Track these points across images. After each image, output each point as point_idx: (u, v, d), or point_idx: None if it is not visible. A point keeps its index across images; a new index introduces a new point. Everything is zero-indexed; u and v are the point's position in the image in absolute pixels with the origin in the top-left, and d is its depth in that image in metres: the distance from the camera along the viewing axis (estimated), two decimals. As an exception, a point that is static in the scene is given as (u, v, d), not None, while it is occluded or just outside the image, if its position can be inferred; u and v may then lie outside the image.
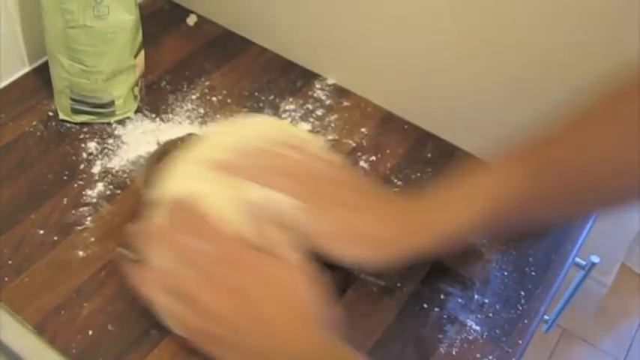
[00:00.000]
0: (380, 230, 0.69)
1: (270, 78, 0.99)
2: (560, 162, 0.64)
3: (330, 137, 0.91)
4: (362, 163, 0.89)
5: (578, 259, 0.88)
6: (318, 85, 0.98)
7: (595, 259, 0.91)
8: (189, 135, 0.83)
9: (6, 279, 0.73)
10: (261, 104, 0.95)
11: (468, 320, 0.75)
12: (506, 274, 0.80)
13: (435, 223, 0.68)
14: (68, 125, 0.89)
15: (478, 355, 0.73)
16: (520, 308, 0.77)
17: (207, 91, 0.96)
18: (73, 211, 0.80)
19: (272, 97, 0.96)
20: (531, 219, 0.70)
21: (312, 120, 0.93)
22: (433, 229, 0.68)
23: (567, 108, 0.64)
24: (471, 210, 0.66)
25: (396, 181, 0.87)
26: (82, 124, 0.89)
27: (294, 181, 0.69)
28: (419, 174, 0.88)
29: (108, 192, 0.82)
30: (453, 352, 0.73)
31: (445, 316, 0.75)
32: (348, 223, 0.68)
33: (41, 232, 0.78)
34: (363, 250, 0.68)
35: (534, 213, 0.68)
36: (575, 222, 0.83)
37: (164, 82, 0.96)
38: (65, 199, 0.81)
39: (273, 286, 0.66)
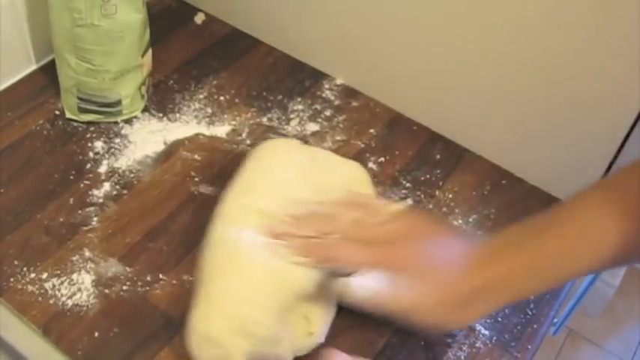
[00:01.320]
0: (477, 287, 0.62)
1: (279, 78, 0.98)
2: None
3: (339, 138, 0.91)
4: (371, 164, 0.88)
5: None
6: (326, 85, 0.97)
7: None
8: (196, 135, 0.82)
9: (12, 279, 0.73)
10: (269, 104, 0.94)
11: (477, 324, 0.75)
12: (515, 278, 0.79)
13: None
14: (75, 124, 0.89)
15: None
16: (529, 313, 0.76)
17: (214, 90, 0.95)
18: (80, 211, 0.80)
19: (280, 96, 0.95)
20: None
21: (320, 120, 0.92)
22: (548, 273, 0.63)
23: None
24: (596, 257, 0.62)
25: (404, 182, 0.86)
26: (89, 123, 0.89)
27: (368, 249, 0.64)
28: (428, 175, 0.88)
29: (114, 192, 0.82)
30: (462, 357, 0.72)
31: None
32: (443, 289, 0.62)
33: (47, 232, 0.78)
34: (468, 313, 0.63)
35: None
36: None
37: (171, 82, 0.95)
38: (71, 199, 0.81)
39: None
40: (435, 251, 0.64)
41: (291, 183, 0.74)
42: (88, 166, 0.84)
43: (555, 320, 0.95)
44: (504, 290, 0.62)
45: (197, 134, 0.89)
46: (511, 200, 0.86)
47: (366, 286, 0.65)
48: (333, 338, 0.71)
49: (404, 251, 0.63)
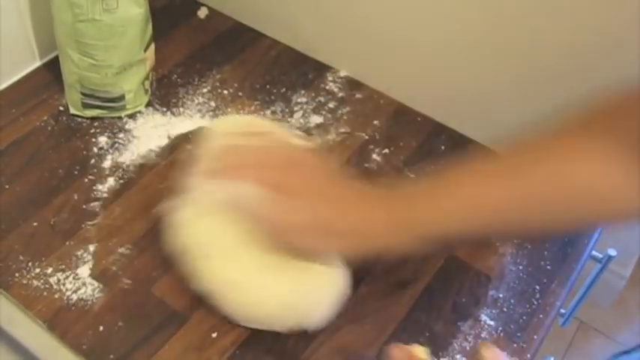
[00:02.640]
0: (353, 223, 0.65)
1: (282, 71, 0.98)
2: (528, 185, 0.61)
3: (343, 130, 0.90)
4: (375, 156, 0.88)
5: (594, 252, 0.87)
6: (330, 78, 0.97)
7: (612, 252, 0.89)
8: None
9: (17, 275, 0.73)
10: (272, 97, 0.94)
11: (482, 315, 0.74)
12: (521, 267, 0.78)
13: (417, 223, 0.63)
14: (79, 120, 0.89)
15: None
16: (535, 303, 0.76)
17: (218, 84, 0.95)
18: (84, 206, 0.80)
19: (284, 89, 0.95)
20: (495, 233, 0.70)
21: (324, 112, 0.92)
22: (413, 229, 0.64)
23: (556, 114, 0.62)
24: (456, 215, 0.63)
25: (409, 173, 0.86)
26: (93, 118, 0.89)
27: (260, 170, 0.68)
28: (432, 166, 0.87)
29: (119, 186, 0.82)
30: (467, 348, 0.72)
31: (459, 311, 0.74)
32: (318, 214, 0.65)
33: (52, 227, 0.78)
34: (333, 243, 0.66)
35: (497, 229, 0.66)
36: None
37: (175, 76, 0.95)
38: (76, 194, 0.81)
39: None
40: (325, 185, 0.67)
41: None
42: (93, 161, 0.84)
43: (564, 311, 0.95)
44: (375, 232, 0.64)
45: (201, 128, 0.89)
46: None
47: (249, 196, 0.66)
48: (335, 332, 0.71)
49: (295, 172, 0.68)
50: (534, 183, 0.59)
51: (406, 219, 0.63)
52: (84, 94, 0.87)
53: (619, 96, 0.59)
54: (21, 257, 0.75)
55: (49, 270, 0.74)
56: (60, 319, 0.71)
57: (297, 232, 0.65)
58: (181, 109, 0.91)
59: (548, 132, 0.62)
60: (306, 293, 0.69)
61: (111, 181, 0.82)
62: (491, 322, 0.74)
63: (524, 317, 0.75)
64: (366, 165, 0.87)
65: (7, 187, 0.81)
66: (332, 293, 0.69)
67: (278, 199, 0.65)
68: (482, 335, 0.73)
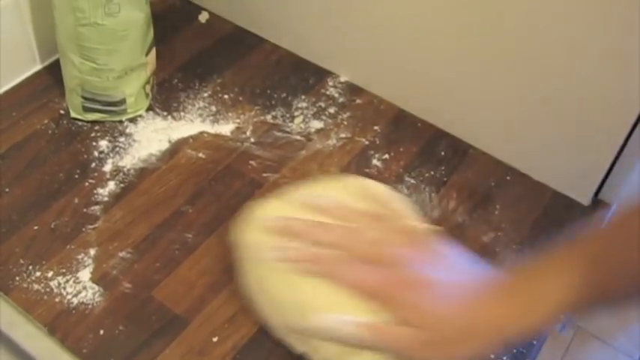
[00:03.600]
0: (484, 323, 0.61)
1: (283, 75, 0.98)
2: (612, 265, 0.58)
3: (343, 135, 0.90)
4: (375, 161, 0.88)
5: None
6: (330, 83, 0.97)
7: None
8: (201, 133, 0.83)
9: (17, 278, 0.73)
10: (273, 102, 0.94)
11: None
12: (520, 273, 0.79)
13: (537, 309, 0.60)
14: (80, 123, 0.89)
15: (492, 356, 0.72)
16: (535, 308, 0.76)
17: (219, 88, 0.95)
18: (85, 210, 0.80)
19: (284, 94, 0.95)
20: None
21: (324, 118, 0.92)
22: (536, 315, 0.60)
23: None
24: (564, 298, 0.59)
25: (409, 179, 0.86)
26: (94, 122, 0.89)
27: (367, 270, 0.63)
28: (432, 172, 0.87)
29: (119, 190, 0.82)
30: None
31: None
32: (444, 326, 0.61)
33: (52, 231, 0.78)
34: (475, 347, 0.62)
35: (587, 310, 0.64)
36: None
37: (176, 80, 0.96)
38: (76, 198, 0.81)
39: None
40: (435, 280, 0.63)
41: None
42: (93, 165, 0.84)
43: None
44: (496, 332, 0.61)
45: (201, 132, 0.89)
46: (516, 196, 0.86)
47: (349, 320, 0.63)
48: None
49: (404, 279, 0.62)
50: None
51: (531, 312, 0.60)
52: (85, 98, 0.87)
53: None
54: (21, 261, 0.75)
55: (50, 274, 0.74)
56: (60, 322, 0.71)
57: (417, 351, 0.61)
58: (182, 114, 0.91)
59: None
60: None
61: (111, 185, 0.82)
62: (491, 328, 0.74)
63: (524, 323, 0.75)
64: (366, 170, 0.87)
65: (7, 190, 0.81)
66: None
67: (390, 315, 0.61)
68: (482, 341, 0.73)
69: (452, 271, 0.64)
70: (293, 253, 0.65)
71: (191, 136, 0.89)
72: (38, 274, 0.74)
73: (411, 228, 0.68)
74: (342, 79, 0.98)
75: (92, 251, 0.76)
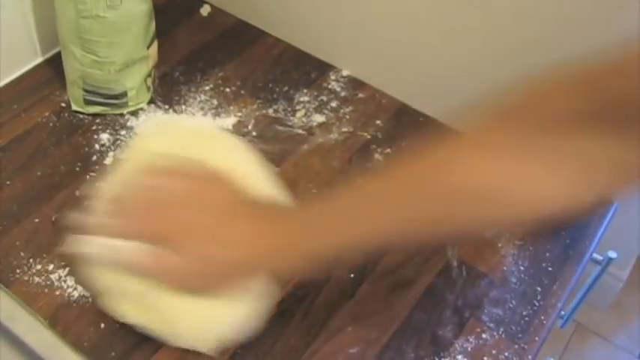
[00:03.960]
0: (235, 255, 0.64)
1: (285, 69, 0.98)
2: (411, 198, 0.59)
3: (345, 129, 0.90)
4: (377, 156, 0.88)
5: (595, 255, 0.87)
6: (332, 77, 0.97)
7: (612, 254, 0.89)
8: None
9: (18, 271, 0.73)
10: (275, 95, 0.94)
11: (484, 316, 0.74)
12: (522, 269, 0.79)
13: (308, 247, 0.63)
14: (81, 116, 0.89)
15: (494, 352, 0.72)
16: (536, 304, 0.76)
17: (220, 82, 0.95)
18: (86, 203, 0.80)
19: (286, 88, 0.95)
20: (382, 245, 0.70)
21: (326, 112, 0.92)
22: (304, 253, 0.64)
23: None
24: (349, 239, 0.62)
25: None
26: (95, 115, 0.88)
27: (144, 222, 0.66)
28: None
29: (120, 184, 0.82)
30: (469, 349, 0.72)
31: (460, 312, 0.74)
32: (197, 254, 0.64)
33: (53, 224, 0.78)
34: (220, 278, 0.65)
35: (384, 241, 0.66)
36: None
37: (177, 73, 0.95)
38: (77, 191, 0.81)
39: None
40: (208, 220, 0.65)
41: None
42: (94, 158, 0.84)
43: (563, 313, 0.95)
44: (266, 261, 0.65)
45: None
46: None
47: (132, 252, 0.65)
48: (336, 332, 0.71)
49: (171, 221, 0.65)
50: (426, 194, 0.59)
51: (297, 244, 0.63)
52: (86, 91, 0.86)
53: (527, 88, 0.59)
54: (22, 254, 0.75)
55: (51, 267, 0.74)
56: (61, 316, 0.71)
57: (181, 277, 0.65)
58: (183, 107, 0.91)
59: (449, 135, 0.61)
60: (220, 312, 0.67)
61: (113, 178, 0.82)
62: (493, 323, 0.74)
63: (526, 318, 0.75)
64: (369, 164, 0.87)
65: (8, 183, 0.81)
66: (246, 307, 0.68)
67: (156, 249, 0.64)
68: (484, 336, 0.73)
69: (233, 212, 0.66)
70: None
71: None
72: (39, 267, 0.74)
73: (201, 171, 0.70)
74: (344, 73, 0.97)
75: (93, 244, 0.76)
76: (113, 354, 0.68)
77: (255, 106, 0.92)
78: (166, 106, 0.91)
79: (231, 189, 0.68)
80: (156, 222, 0.65)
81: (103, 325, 0.70)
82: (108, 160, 0.84)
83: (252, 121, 0.90)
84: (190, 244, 0.64)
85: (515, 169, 0.55)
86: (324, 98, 0.94)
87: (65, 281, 0.73)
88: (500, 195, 0.56)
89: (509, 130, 0.57)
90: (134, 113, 0.89)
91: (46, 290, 0.72)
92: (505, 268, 0.79)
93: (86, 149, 0.85)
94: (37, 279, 0.73)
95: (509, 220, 0.62)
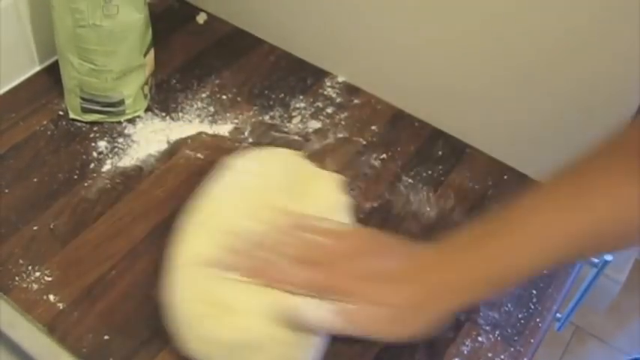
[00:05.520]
0: (435, 297, 0.63)
1: (281, 76, 0.98)
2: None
3: (341, 135, 0.91)
4: (373, 161, 0.88)
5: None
6: (328, 83, 0.98)
7: (608, 256, 0.90)
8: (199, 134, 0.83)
9: (17, 278, 0.74)
10: (271, 102, 0.94)
11: (479, 319, 0.75)
12: (517, 272, 0.79)
13: (492, 273, 0.62)
14: (78, 124, 0.89)
15: (490, 355, 0.72)
16: (532, 307, 0.76)
17: (217, 89, 0.95)
18: (84, 211, 0.80)
19: (282, 95, 0.95)
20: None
21: (322, 118, 0.93)
22: (490, 279, 0.63)
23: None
24: (529, 257, 0.62)
25: (406, 178, 0.87)
26: (93, 123, 0.89)
27: (309, 270, 0.65)
28: (430, 172, 0.88)
29: (118, 191, 0.82)
30: (465, 352, 0.72)
31: (456, 315, 0.75)
32: (383, 302, 0.63)
33: (52, 231, 0.78)
34: (421, 322, 0.64)
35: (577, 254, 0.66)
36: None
37: (174, 81, 0.96)
38: (75, 199, 0.81)
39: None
40: (377, 267, 0.65)
41: (263, 197, 0.73)
42: (92, 165, 0.85)
43: (559, 316, 0.95)
44: (452, 295, 0.63)
45: (200, 133, 0.89)
46: (513, 195, 0.86)
47: (315, 310, 0.64)
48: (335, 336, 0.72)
49: (344, 273, 0.65)
50: (592, 211, 0.60)
51: (482, 272, 0.62)
52: (83, 99, 0.87)
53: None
54: (21, 261, 0.75)
55: (49, 273, 0.74)
56: (60, 322, 0.71)
57: (378, 330, 0.64)
58: (180, 114, 0.92)
59: (586, 159, 0.63)
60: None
61: (110, 186, 0.83)
62: (489, 326, 0.74)
63: (522, 321, 0.75)
64: (364, 170, 0.87)
65: (6, 191, 0.81)
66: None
67: (343, 304, 0.63)
68: (480, 339, 0.73)
69: (390, 256, 0.66)
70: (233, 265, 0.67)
71: (189, 137, 0.89)
72: (37, 274, 0.74)
73: (337, 225, 0.71)
74: (340, 79, 0.98)
75: (91, 252, 0.76)
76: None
77: (251, 113, 0.93)
78: (163, 114, 0.91)
79: (378, 236, 0.69)
80: (336, 276, 0.65)
81: (101, 332, 0.70)
82: (106, 168, 0.84)
83: (249, 128, 0.91)
84: (372, 293, 0.63)
85: None
86: (320, 104, 0.94)
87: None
88: None
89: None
90: (131, 121, 0.90)
91: (45, 297, 0.72)
92: (500, 271, 0.79)
93: (84, 157, 0.86)
94: (35, 286, 0.73)
95: None
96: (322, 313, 0.64)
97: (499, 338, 0.74)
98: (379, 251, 0.67)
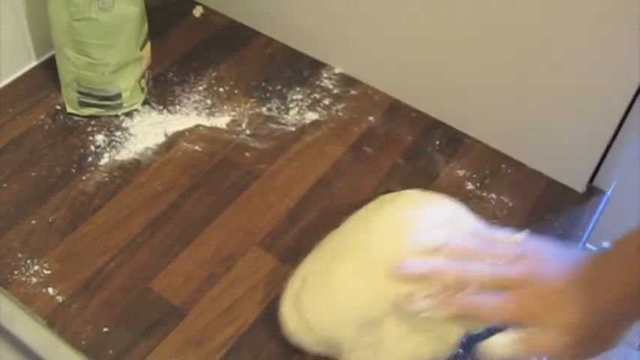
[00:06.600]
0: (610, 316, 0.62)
1: (277, 68, 0.98)
2: None
3: (338, 126, 0.91)
4: (370, 152, 0.88)
5: (589, 245, 0.87)
6: (325, 75, 0.97)
7: (606, 244, 0.90)
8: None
9: (16, 272, 0.74)
10: (268, 94, 0.94)
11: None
12: (515, 260, 0.79)
13: None
14: (76, 118, 0.89)
15: None
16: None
17: (214, 82, 0.95)
18: (82, 204, 0.80)
19: (279, 87, 0.95)
20: None
21: (319, 109, 0.93)
22: None
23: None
24: None
25: (404, 169, 0.87)
26: (90, 117, 0.89)
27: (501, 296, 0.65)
28: (427, 161, 0.88)
29: (116, 184, 0.82)
30: (462, 341, 0.72)
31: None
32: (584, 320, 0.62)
33: (50, 225, 0.78)
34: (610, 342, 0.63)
35: None
36: None
37: (171, 74, 0.96)
38: (73, 192, 0.81)
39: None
40: (558, 285, 0.64)
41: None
42: (90, 159, 0.85)
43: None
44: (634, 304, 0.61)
45: (197, 125, 0.90)
46: (511, 184, 0.86)
47: (503, 342, 0.64)
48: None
49: (534, 296, 0.64)
50: None
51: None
52: (81, 93, 0.87)
53: None
54: (19, 255, 0.75)
55: (47, 267, 0.75)
56: (59, 315, 0.71)
57: (573, 353, 0.63)
58: (177, 107, 0.92)
59: None
60: None
61: (108, 179, 0.83)
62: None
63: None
64: (362, 161, 0.87)
65: (5, 185, 0.82)
66: None
67: (534, 329, 0.63)
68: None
69: (562, 267, 0.65)
70: (425, 303, 0.65)
71: (187, 130, 0.89)
72: (36, 267, 0.74)
73: (509, 242, 0.69)
74: (337, 70, 0.98)
75: (90, 245, 0.77)
76: (111, 352, 0.69)
77: (248, 105, 0.93)
78: (160, 107, 0.91)
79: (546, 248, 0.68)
80: (526, 300, 0.64)
81: (100, 324, 0.70)
82: (103, 161, 0.84)
83: (246, 120, 0.91)
84: (552, 317, 0.62)
85: None
86: (317, 96, 0.94)
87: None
88: None
89: None
90: (129, 114, 0.90)
91: (44, 290, 0.73)
92: (498, 260, 0.79)
93: (81, 151, 0.86)
94: (34, 279, 0.73)
95: None
96: (508, 345, 0.63)
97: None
98: (550, 267, 0.66)
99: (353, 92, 0.95)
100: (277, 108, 0.93)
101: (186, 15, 1.05)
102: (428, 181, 0.85)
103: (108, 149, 0.86)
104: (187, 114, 0.91)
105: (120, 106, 0.89)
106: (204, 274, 0.75)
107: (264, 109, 0.92)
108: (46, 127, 0.88)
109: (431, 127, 0.92)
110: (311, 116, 0.92)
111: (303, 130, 0.90)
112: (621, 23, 0.72)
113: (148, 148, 0.87)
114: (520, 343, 0.63)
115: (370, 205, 0.74)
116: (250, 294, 0.74)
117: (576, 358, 0.64)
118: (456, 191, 0.85)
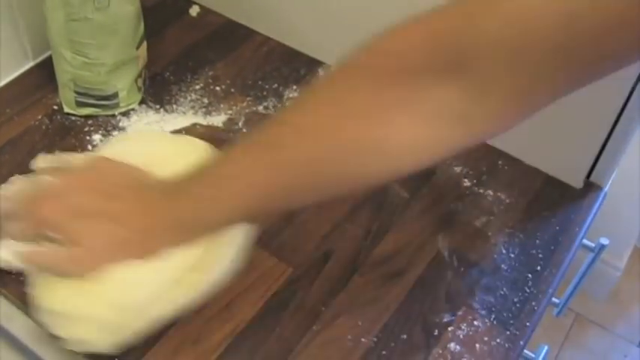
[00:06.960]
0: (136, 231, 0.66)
1: (274, 67, 0.98)
2: (292, 154, 0.62)
3: (335, 124, 0.91)
4: (367, 150, 0.88)
5: (586, 241, 0.87)
6: (321, 73, 0.98)
7: (604, 240, 0.90)
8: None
9: (13, 271, 0.74)
10: (264, 93, 0.95)
11: (475, 303, 0.75)
12: (512, 256, 0.79)
13: (199, 220, 0.66)
14: (73, 118, 0.89)
15: (486, 339, 0.73)
16: (527, 290, 0.77)
17: (210, 81, 0.96)
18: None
19: (276, 85, 0.96)
20: (282, 205, 0.70)
21: (316, 107, 0.93)
22: (197, 226, 0.67)
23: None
24: (229, 205, 0.65)
25: (401, 166, 0.87)
26: (87, 116, 0.89)
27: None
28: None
29: (113, 183, 0.83)
30: (460, 336, 0.73)
31: (452, 300, 0.75)
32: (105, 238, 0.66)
33: (48, 224, 0.78)
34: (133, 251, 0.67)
35: (281, 202, 0.67)
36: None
37: (167, 73, 0.96)
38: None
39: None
40: (98, 206, 0.67)
41: None
42: (87, 158, 0.85)
43: (557, 301, 0.95)
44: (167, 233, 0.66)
45: (194, 124, 0.90)
46: (508, 181, 0.87)
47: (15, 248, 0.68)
48: (329, 323, 0.72)
49: (56, 209, 0.67)
50: (298, 153, 0.62)
51: (188, 219, 0.66)
52: (78, 93, 0.87)
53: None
54: (17, 254, 0.76)
55: (46, 266, 0.75)
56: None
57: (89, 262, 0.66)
58: (174, 106, 0.92)
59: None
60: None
61: (105, 178, 0.83)
62: (484, 311, 0.75)
63: (517, 305, 0.75)
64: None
65: (2, 186, 0.82)
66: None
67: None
68: (475, 323, 0.74)
69: (118, 196, 0.68)
70: None
71: (184, 128, 0.89)
72: (34, 267, 0.74)
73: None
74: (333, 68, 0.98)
75: (87, 244, 0.77)
76: (109, 350, 0.69)
77: (245, 104, 0.93)
78: (157, 106, 0.92)
79: (127, 174, 0.71)
80: (46, 212, 0.67)
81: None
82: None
83: (243, 119, 0.91)
84: (83, 228, 0.66)
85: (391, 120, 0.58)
86: (314, 94, 0.95)
87: (60, 280, 0.74)
88: (386, 145, 0.59)
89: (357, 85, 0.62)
90: (126, 114, 0.90)
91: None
92: (495, 255, 0.79)
93: (79, 151, 0.86)
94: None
95: (392, 172, 0.64)
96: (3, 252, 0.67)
97: (495, 322, 0.74)
98: (107, 189, 0.68)
99: (349, 90, 0.95)
100: (274, 106, 0.93)
101: (183, 14, 1.05)
102: (424, 178, 0.86)
103: (105, 149, 0.86)
104: (184, 113, 0.91)
105: (117, 105, 0.89)
106: (202, 272, 0.75)
107: (260, 108, 0.92)
108: (44, 127, 0.88)
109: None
110: (308, 114, 0.92)
111: (300, 128, 0.90)
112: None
113: (145, 147, 0.87)
114: (25, 254, 0.67)
115: None
116: (247, 292, 0.74)
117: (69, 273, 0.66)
118: (453, 188, 0.85)
